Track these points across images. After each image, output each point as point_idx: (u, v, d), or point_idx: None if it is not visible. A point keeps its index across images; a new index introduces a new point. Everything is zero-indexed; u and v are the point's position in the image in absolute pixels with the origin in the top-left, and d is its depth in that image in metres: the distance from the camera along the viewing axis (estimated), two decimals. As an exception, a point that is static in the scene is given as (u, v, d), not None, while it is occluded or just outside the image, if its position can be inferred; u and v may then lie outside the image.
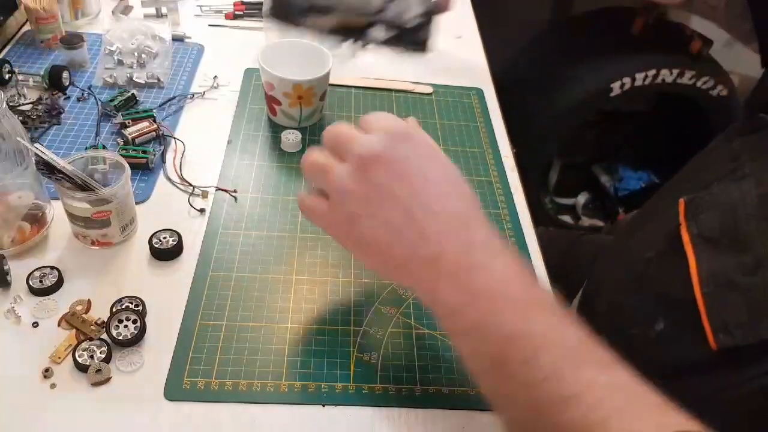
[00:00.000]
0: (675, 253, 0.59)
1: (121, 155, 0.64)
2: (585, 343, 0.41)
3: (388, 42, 0.46)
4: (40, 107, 0.76)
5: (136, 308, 0.56)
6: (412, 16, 0.45)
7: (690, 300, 0.55)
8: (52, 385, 0.51)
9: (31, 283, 0.57)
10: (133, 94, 0.78)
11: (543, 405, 0.39)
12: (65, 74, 0.79)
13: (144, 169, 0.70)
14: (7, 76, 0.79)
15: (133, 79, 0.82)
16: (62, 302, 0.56)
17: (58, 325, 0.55)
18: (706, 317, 0.53)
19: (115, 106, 0.76)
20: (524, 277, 0.43)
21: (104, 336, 0.54)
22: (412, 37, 0.46)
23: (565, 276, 0.80)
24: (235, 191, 0.69)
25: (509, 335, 0.40)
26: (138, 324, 0.54)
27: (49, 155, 0.55)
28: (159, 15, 0.95)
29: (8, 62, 0.79)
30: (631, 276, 0.55)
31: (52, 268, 0.58)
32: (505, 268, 0.43)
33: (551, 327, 0.41)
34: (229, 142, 0.76)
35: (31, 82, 0.80)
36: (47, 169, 0.55)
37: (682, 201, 0.60)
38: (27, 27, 0.91)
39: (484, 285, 0.42)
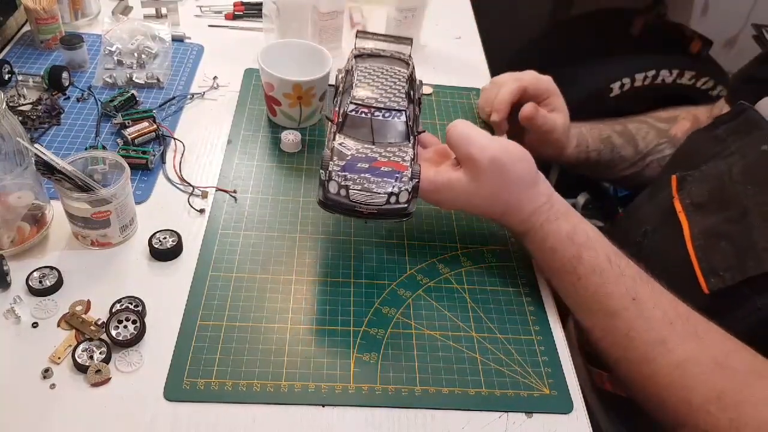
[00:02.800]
0: (669, 221, 0.64)
1: (121, 155, 0.64)
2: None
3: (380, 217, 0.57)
4: (39, 108, 0.76)
5: (135, 308, 0.56)
6: (404, 201, 0.56)
7: (684, 257, 0.60)
8: (52, 385, 0.51)
9: (30, 283, 0.57)
10: (132, 94, 0.78)
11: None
12: (65, 75, 0.79)
13: (144, 169, 0.70)
14: (7, 77, 0.79)
15: (133, 79, 0.82)
16: (62, 303, 0.56)
17: (58, 325, 0.55)
18: (698, 266, 0.58)
19: (114, 106, 0.76)
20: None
21: (104, 336, 0.54)
22: (402, 213, 0.57)
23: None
24: (234, 191, 0.69)
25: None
26: (137, 324, 0.54)
27: (49, 156, 0.55)
28: (159, 15, 0.95)
29: (8, 63, 0.80)
30: (628, 248, 0.59)
31: (52, 268, 0.58)
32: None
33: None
34: (228, 142, 0.76)
35: (30, 83, 0.80)
36: (47, 169, 0.55)
37: (674, 177, 0.66)
38: (27, 27, 0.91)
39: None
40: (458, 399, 0.53)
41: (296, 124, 0.79)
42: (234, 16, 1.00)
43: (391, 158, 0.56)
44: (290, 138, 0.76)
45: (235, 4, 1.00)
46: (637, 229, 0.69)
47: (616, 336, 0.55)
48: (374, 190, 0.54)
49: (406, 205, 0.55)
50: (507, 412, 0.53)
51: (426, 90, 0.89)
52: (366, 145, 0.57)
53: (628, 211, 0.81)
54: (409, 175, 0.55)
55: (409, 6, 0.92)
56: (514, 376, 0.56)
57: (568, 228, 0.58)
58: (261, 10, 0.93)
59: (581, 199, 1.83)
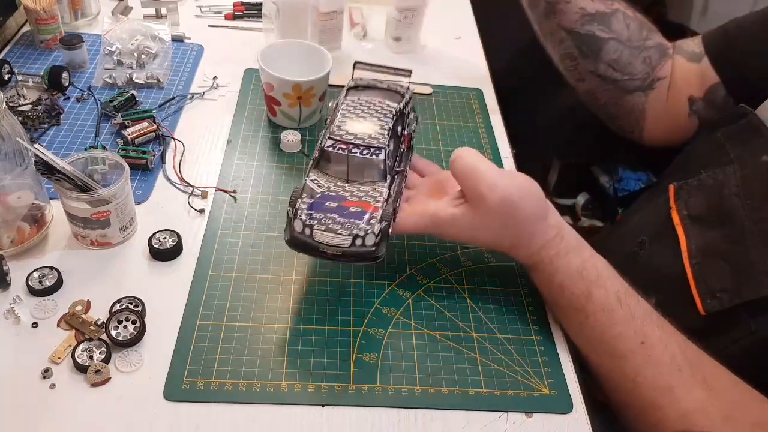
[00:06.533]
0: (666, 233, 0.63)
1: (121, 156, 0.63)
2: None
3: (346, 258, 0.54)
4: (39, 108, 0.76)
5: (135, 309, 0.56)
6: (371, 244, 0.53)
7: (680, 273, 0.59)
8: (52, 386, 0.51)
9: (30, 283, 0.57)
10: (132, 94, 0.78)
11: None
12: (65, 75, 0.80)
13: (143, 169, 0.70)
14: (6, 77, 0.79)
15: (133, 79, 0.82)
16: (62, 303, 0.56)
17: (58, 325, 0.55)
18: (694, 286, 0.58)
19: (114, 106, 0.76)
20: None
21: (104, 336, 0.54)
22: (370, 256, 0.54)
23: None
24: (234, 191, 0.69)
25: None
26: (137, 324, 0.54)
27: (49, 156, 0.55)
28: (158, 15, 0.95)
29: (8, 63, 0.80)
30: (624, 257, 0.59)
31: (52, 268, 0.58)
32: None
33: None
34: (228, 142, 0.76)
35: (30, 83, 0.80)
36: (47, 169, 0.55)
37: (671, 186, 0.65)
38: (27, 28, 0.91)
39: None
40: (458, 399, 0.53)
41: (296, 124, 0.79)
42: (234, 17, 1.00)
43: (363, 198, 0.54)
44: (290, 138, 0.76)
45: (234, 5, 1.00)
46: (633, 237, 0.67)
47: (623, 380, 0.53)
48: (338, 232, 0.52)
49: (373, 249, 0.52)
50: (507, 411, 0.53)
51: (426, 90, 0.89)
52: (339, 183, 0.55)
53: (625, 215, 0.80)
54: (379, 217, 0.53)
55: (409, 6, 0.92)
56: (514, 376, 0.56)
57: (577, 263, 0.56)
58: (261, 10, 0.93)
59: (581, 199, 1.83)
